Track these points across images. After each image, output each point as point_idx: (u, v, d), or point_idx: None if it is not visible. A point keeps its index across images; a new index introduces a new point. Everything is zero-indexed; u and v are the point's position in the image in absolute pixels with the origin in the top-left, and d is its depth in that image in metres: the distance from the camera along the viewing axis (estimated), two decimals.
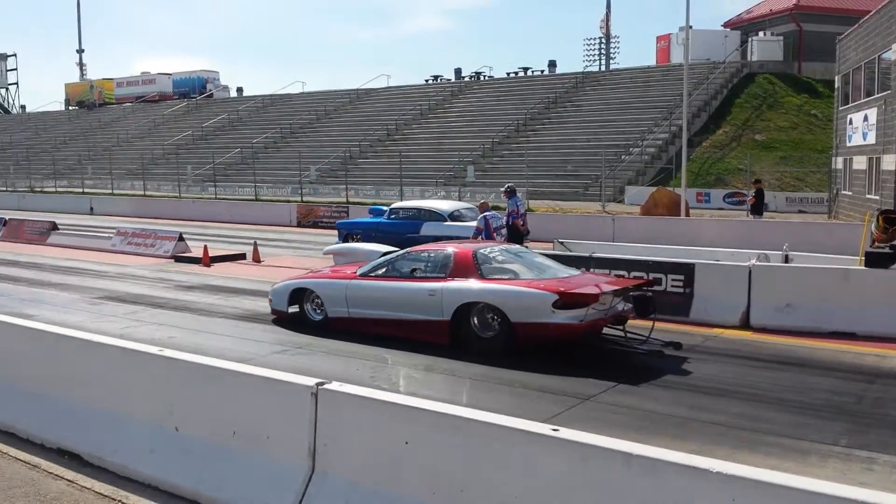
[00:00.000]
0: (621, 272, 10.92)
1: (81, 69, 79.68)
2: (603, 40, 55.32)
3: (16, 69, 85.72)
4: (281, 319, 10.67)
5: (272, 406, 4.75)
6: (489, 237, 13.06)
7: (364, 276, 10.05)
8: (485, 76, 51.12)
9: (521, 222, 14.60)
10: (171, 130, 54.20)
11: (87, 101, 69.26)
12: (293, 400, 4.60)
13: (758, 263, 10.61)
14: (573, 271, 9.72)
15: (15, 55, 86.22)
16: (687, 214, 22.85)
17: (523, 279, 9.09)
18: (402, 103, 47.86)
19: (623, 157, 33.29)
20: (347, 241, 18.42)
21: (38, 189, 46.08)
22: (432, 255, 9.76)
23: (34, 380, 6.28)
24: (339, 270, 11.09)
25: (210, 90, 63.44)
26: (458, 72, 53.12)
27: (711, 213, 26.02)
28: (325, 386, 4.51)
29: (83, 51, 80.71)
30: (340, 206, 28.59)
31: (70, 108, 71.73)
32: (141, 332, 9.98)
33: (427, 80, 53.11)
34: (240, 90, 64.58)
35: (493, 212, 13.83)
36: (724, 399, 7.14)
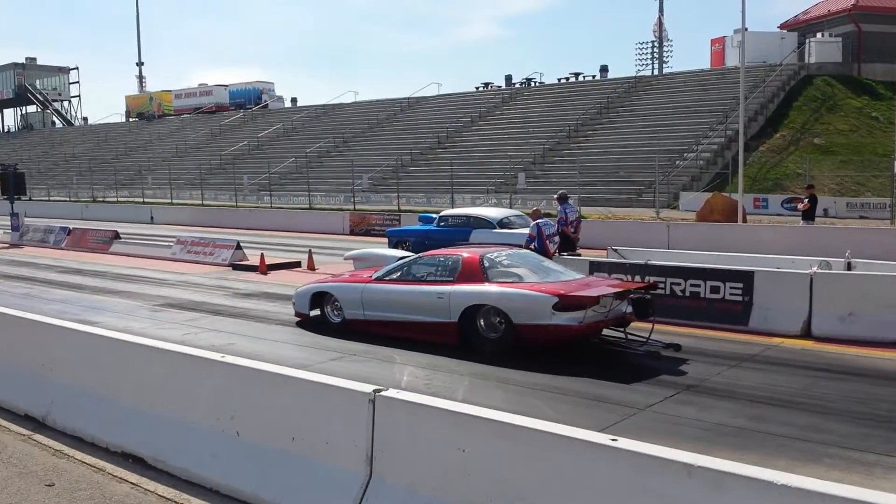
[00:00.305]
0: (678, 280, 10.79)
1: (141, 81, 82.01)
2: (656, 44, 54.71)
3: (78, 82, 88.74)
4: (304, 322, 11.15)
5: (331, 412, 4.81)
6: (542, 245, 13.02)
7: (378, 280, 10.53)
8: (535, 82, 50.98)
9: (572, 229, 14.52)
10: (227, 141, 55.28)
11: (147, 112, 71.14)
12: (351, 406, 4.66)
13: (819, 271, 10.35)
14: (578, 275, 10.08)
15: (77, 68, 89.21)
16: (744, 220, 22.41)
17: (527, 282, 9.43)
18: (452, 111, 48.01)
19: (678, 162, 32.81)
20: (397, 249, 18.61)
21: (101, 199, 47.46)
22: (442, 259, 10.21)
23: (100, 385, 6.47)
24: (357, 275, 11.65)
25: (265, 101, 64.57)
26: (508, 78, 53.07)
27: (769, 219, 25.47)
28: (383, 393, 4.55)
29: (143, 63, 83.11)
30: (392, 214, 28.80)
31: (130, 119, 73.76)
32: (201, 338, 10.21)
33: (477, 88, 53.17)
34: (294, 100, 65.60)
35: (546, 219, 13.78)
36: (786, 410, 6.99)
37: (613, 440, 3.68)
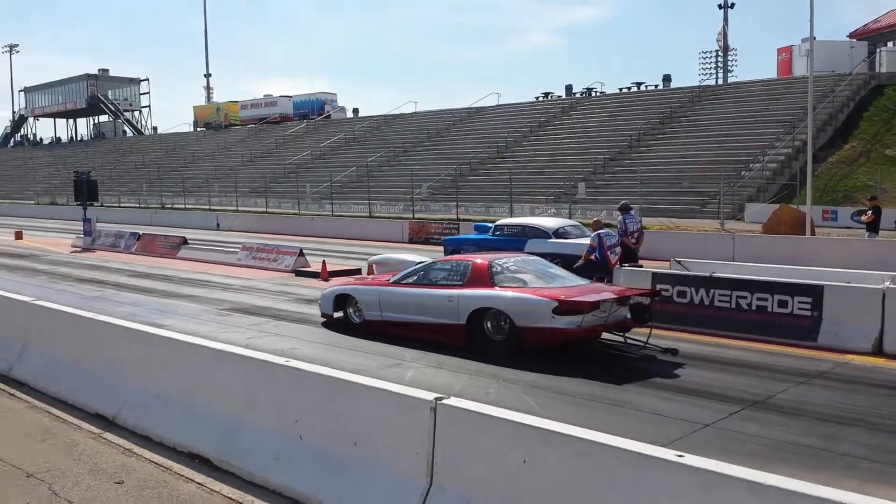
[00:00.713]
0: (744, 294, 10.56)
1: (208, 92, 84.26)
2: (720, 53, 53.77)
3: (148, 93, 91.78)
4: (329, 322, 11.78)
5: (392, 419, 4.85)
6: (603, 256, 12.91)
7: (395, 283, 11.11)
8: (596, 92, 50.58)
9: (633, 240, 14.34)
10: (291, 150, 56.28)
11: (214, 122, 72.96)
12: (412, 414, 4.69)
13: (892, 286, 9.99)
14: (582, 281, 10.64)
15: (147, 80, 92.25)
16: (812, 233, 21.78)
17: (530, 287, 9.87)
18: (512, 121, 47.97)
19: (743, 172, 32.12)
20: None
21: (169, 206, 48.78)
22: (454, 265, 10.82)
23: (168, 386, 6.64)
24: (377, 278, 12.36)
25: (328, 111, 65.57)
26: (568, 88, 52.84)
27: (838, 232, 24.71)
28: (444, 401, 4.57)
29: (210, 75, 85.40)
30: (451, 222, 28.88)
31: (198, 129, 75.72)
32: (264, 342, 10.40)
33: (537, 98, 53.04)
34: (356, 111, 66.45)
35: (607, 230, 13.64)
36: (855, 429, 6.76)
37: (679, 456, 3.61)
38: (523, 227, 18.53)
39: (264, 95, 73.29)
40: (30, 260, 23.00)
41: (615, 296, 9.57)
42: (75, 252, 25.64)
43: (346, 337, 10.97)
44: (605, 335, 10.08)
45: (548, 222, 18.96)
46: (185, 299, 14.83)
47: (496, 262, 10.50)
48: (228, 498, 5.28)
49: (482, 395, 7.74)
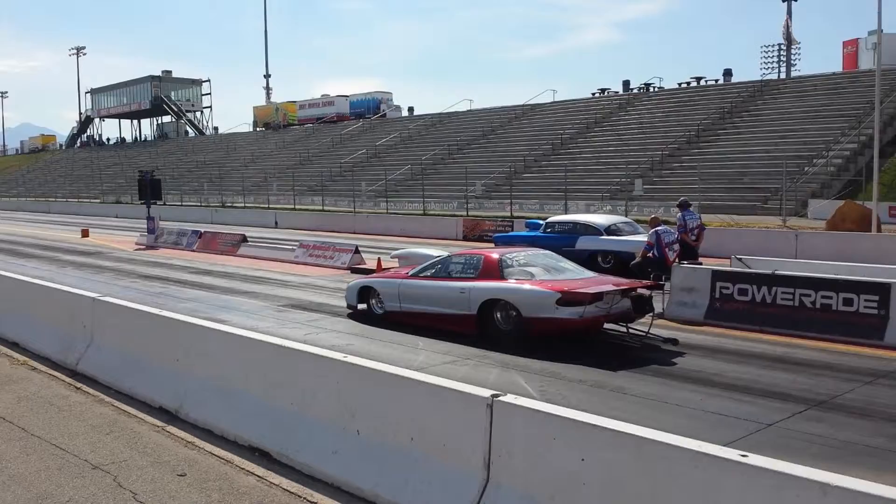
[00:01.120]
0: (808, 291, 10.28)
1: (268, 93, 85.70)
2: (783, 47, 52.37)
3: (209, 94, 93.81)
4: (355, 313, 12.42)
5: (448, 415, 4.85)
6: (661, 253, 12.70)
7: (414, 276, 11.71)
8: (654, 87, 49.81)
9: (693, 237, 14.07)
10: (347, 149, 56.84)
11: (273, 122, 74.14)
12: (469, 410, 4.68)
13: None
14: (590, 274, 11.13)
15: (209, 81, 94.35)
16: (878, 230, 21.08)
17: (537, 280, 10.34)
18: (567, 117, 47.58)
19: (806, 168, 31.24)
20: None
21: (229, 204, 49.72)
22: (468, 259, 11.35)
23: (229, 380, 6.77)
24: (398, 272, 12.96)
25: (383, 110, 66.05)
26: (626, 84, 52.16)
27: None
28: (500, 398, 4.55)
29: (269, 76, 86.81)
30: (505, 220, 28.79)
31: (257, 129, 77.04)
32: (322, 338, 10.53)
33: (593, 94, 52.49)
34: (411, 109, 66.79)
35: (666, 227, 13.41)
36: None
37: (743, 455, 3.52)
38: (575, 223, 18.38)
39: (322, 95, 74.22)
40: (96, 257, 23.72)
41: (617, 288, 9.95)
42: (139, 249, 26.35)
43: (402, 335, 10.99)
44: (608, 326, 10.41)
45: (599, 219, 18.77)
46: (245, 296, 15.10)
47: (507, 256, 11.11)
48: (288, 491, 5.35)
49: (483, 380, 7.94)
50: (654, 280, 12.59)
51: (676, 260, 12.81)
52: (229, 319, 11.50)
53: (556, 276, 10.59)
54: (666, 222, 14.50)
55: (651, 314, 10.30)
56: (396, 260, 16.22)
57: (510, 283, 10.37)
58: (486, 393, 4.65)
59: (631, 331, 10.39)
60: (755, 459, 3.51)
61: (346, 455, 5.37)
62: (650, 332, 10.23)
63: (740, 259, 13.42)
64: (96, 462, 5.90)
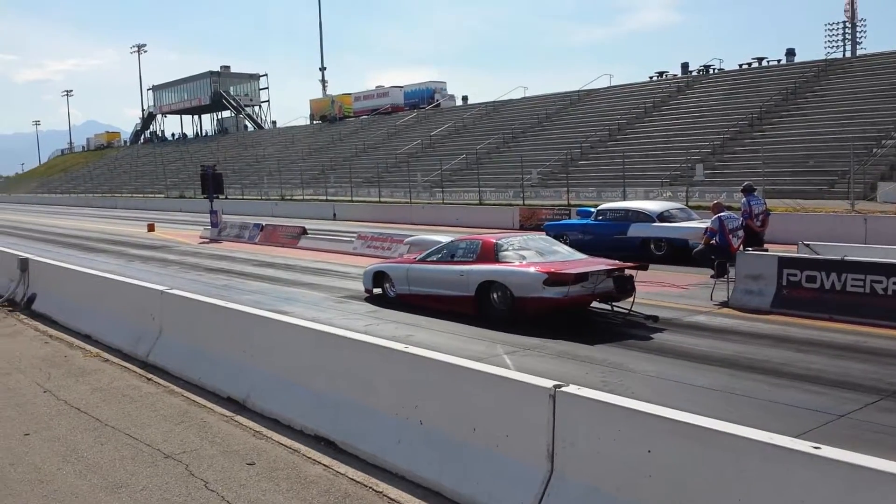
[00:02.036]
0: (879, 278, 9.95)
1: (324, 86, 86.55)
2: (847, 25, 50.59)
3: (267, 88, 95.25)
4: (371, 297, 13.41)
5: (511, 405, 4.85)
6: (724, 239, 12.45)
7: (421, 261, 12.60)
8: (714, 69, 48.63)
9: (758, 223, 13.73)
10: (402, 140, 57.07)
11: (329, 115, 74.87)
12: (531, 401, 4.67)
13: None
14: (580, 256, 11.80)
15: (266, 75, 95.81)
16: None
17: (527, 262, 11.06)
18: (624, 102, 46.84)
19: (875, 150, 30.14)
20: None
21: (288, 197, 50.50)
22: (468, 244, 12.08)
23: (294, 370, 6.90)
24: (408, 257, 13.95)
25: (438, 100, 66.05)
26: (684, 66, 51.02)
27: None
28: (563, 388, 4.52)
29: (325, 69, 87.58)
30: (562, 208, 28.55)
31: (314, 122, 77.92)
32: (382, 329, 10.63)
33: (651, 77, 51.54)
34: (465, 99, 66.67)
35: (729, 212, 13.12)
36: None
37: (816, 448, 3.44)
38: (626, 211, 18.19)
39: (376, 87, 74.59)
40: (162, 251, 24.38)
41: (601, 268, 10.70)
42: (203, 243, 26.97)
43: (459, 325, 11.01)
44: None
45: (651, 206, 18.52)
46: (307, 287, 15.33)
47: (502, 240, 11.85)
48: (353, 480, 5.43)
49: (467, 352, 8.24)
50: (716, 268, 12.37)
51: (741, 247, 12.53)
52: (292, 311, 11.70)
53: (547, 258, 11.29)
54: (729, 208, 14.19)
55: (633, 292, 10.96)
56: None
57: (503, 266, 11.09)
58: (549, 383, 4.63)
59: (615, 308, 11.19)
60: (828, 451, 3.42)
61: (410, 445, 5.42)
62: (632, 309, 10.94)
63: (808, 245, 13.05)
64: (168, 451, 6.08)
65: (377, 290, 13.34)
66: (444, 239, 14.87)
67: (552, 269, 10.53)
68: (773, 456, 3.56)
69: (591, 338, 9.82)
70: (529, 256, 11.31)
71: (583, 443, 4.41)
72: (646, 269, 11.48)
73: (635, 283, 10.97)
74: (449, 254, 12.20)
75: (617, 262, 11.43)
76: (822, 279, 10.54)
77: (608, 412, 4.29)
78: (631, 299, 10.97)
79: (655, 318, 10.77)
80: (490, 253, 11.46)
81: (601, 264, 11.06)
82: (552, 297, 10.34)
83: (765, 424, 5.63)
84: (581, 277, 10.36)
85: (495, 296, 11.03)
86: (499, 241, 11.69)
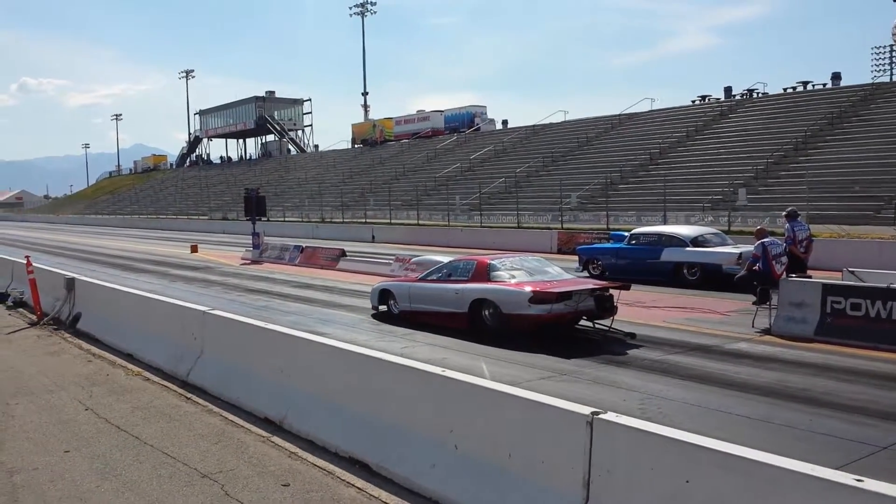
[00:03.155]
0: None
1: (366, 110, 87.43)
2: (894, 48, 49.66)
3: (310, 112, 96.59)
4: (379, 314, 14.10)
5: (547, 432, 4.80)
6: (767, 265, 12.24)
7: (422, 280, 13.49)
8: (758, 93, 48.09)
9: (802, 249, 13.49)
10: (441, 163, 57.35)
11: (370, 139, 75.62)
12: (567, 427, 4.63)
13: None
14: (568, 276, 12.66)
15: (310, 100, 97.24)
16: None
17: (516, 281, 11.78)
18: (666, 126, 46.52)
19: None
20: (588, 266, 19.11)
21: (328, 219, 51.00)
22: (464, 264, 12.88)
23: (330, 392, 6.92)
24: (410, 276, 15.06)
25: (477, 124, 66.30)
26: (727, 90, 50.52)
27: None
28: (601, 416, 4.48)
29: (367, 93, 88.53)
30: (601, 232, 28.36)
31: (355, 146, 78.75)
32: (417, 351, 10.64)
33: (693, 101, 51.15)
34: (505, 123, 66.81)
35: (773, 238, 12.91)
36: None
37: (858, 480, 3.35)
38: (660, 235, 18.08)
39: (417, 111, 75.17)
40: (204, 272, 24.75)
41: (584, 287, 11.49)
42: (244, 264, 27.31)
43: (495, 350, 10.97)
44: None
45: (685, 230, 18.38)
46: (345, 309, 15.42)
47: (495, 260, 12.66)
48: (386, 503, 5.41)
49: (501, 377, 8.32)
50: (759, 294, 12.17)
51: (784, 273, 12.30)
52: (330, 332, 11.76)
53: (535, 277, 12.01)
54: (772, 233, 13.96)
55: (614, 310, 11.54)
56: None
57: (494, 285, 11.82)
58: (587, 410, 4.59)
59: (597, 326, 11.76)
60: (871, 484, 3.33)
61: (444, 469, 5.40)
62: (612, 326, 11.58)
63: (853, 272, 12.77)
64: (205, 471, 6.13)
65: (382, 308, 14.08)
66: (443, 258, 15.77)
67: (538, 288, 11.24)
68: (814, 488, 3.48)
69: (628, 365, 9.72)
70: (519, 276, 12.03)
71: (619, 471, 4.35)
72: (628, 289, 11.93)
73: (615, 303, 11.55)
74: (447, 273, 12.92)
75: (602, 282, 12.48)
76: (867, 307, 10.30)
77: (646, 440, 4.23)
78: (612, 317, 11.57)
79: (633, 335, 11.38)
80: (483, 273, 12.18)
81: (584, 284, 12.02)
82: (536, 313, 11.03)
83: (806, 455, 5.50)
84: (564, 296, 11.10)
85: (486, 312, 11.76)
86: (492, 262, 12.47)
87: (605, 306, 11.52)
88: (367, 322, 13.70)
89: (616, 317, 11.55)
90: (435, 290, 12.74)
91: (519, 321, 11.21)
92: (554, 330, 11.34)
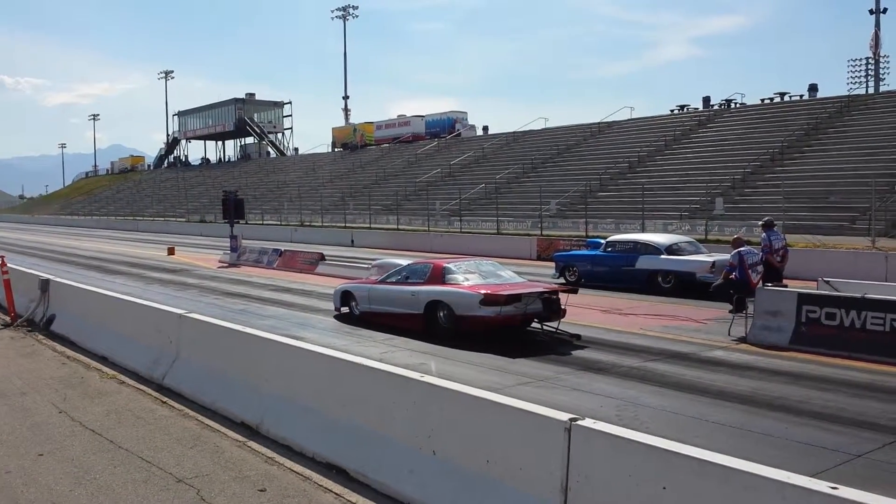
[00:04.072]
0: None
1: (346, 114, 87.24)
2: (871, 61, 50.43)
3: (290, 115, 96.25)
4: (340, 315, 14.48)
5: (525, 438, 4.81)
6: (743, 274, 12.36)
7: (381, 282, 13.86)
8: (736, 103, 48.59)
9: (778, 258, 13.65)
10: (422, 168, 57.34)
11: (351, 142, 75.44)
12: (546, 433, 4.64)
13: None
14: (519, 280, 13.03)
15: (290, 103, 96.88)
16: None
17: (469, 284, 12.17)
18: (645, 135, 46.86)
19: None
20: (564, 273, 19.50)
21: (308, 223, 50.77)
22: (421, 267, 13.32)
23: (308, 397, 6.89)
24: (371, 278, 15.36)
25: (458, 130, 66.39)
26: (706, 100, 51.00)
27: None
28: (579, 422, 4.49)
29: (348, 97, 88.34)
30: (580, 239, 28.46)
31: (335, 149, 78.53)
32: (397, 356, 10.60)
33: (672, 111, 51.58)
34: (485, 129, 66.92)
35: (749, 247, 13.05)
36: None
37: (833, 488, 3.39)
38: (635, 243, 18.36)
39: (398, 116, 75.13)
40: (181, 274, 24.54)
41: (533, 291, 11.84)
42: (222, 267, 27.12)
43: (474, 354, 10.99)
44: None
45: (660, 238, 18.64)
46: (323, 313, 15.35)
47: (451, 264, 13.02)
48: None
49: (481, 383, 7.97)
50: (735, 303, 12.28)
51: (760, 282, 12.43)
52: (308, 337, 11.71)
53: (488, 280, 12.40)
54: (749, 242, 14.11)
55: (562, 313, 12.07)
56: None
57: (448, 287, 12.18)
58: (565, 416, 4.60)
59: (545, 328, 12.19)
60: (846, 492, 3.37)
61: (422, 475, 5.38)
62: (559, 328, 12.07)
63: (828, 282, 12.94)
64: (180, 475, 6.08)
65: (345, 309, 14.44)
66: (402, 261, 16.12)
67: (488, 291, 11.64)
68: (790, 495, 3.51)
69: (606, 372, 9.76)
70: (473, 279, 12.40)
71: (597, 477, 4.36)
72: (575, 292, 12.63)
73: (562, 306, 12.06)
74: (405, 276, 13.33)
75: (551, 285, 12.89)
76: (841, 316, 10.43)
77: (623, 447, 4.25)
78: (559, 319, 12.06)
79: (578, 337, 11.81)
80: (439, 275, 12.59)
81: (533, 287, 12.30)
82: (487, 315, 11.41)
83: (782, 463, 5.55)
84: (513, 299, 11.46)
85: (441, 314, 12.10)
86: (447, 265, 12.86)
87: (553, 309, 11.97)
88: (346, 327, 13.65)
89: (595, 324, 11.67)
90: (393, 292, 13.10)
91: (471, 322, 11.60)
92: (508, 332, 11.75)
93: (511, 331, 11.93)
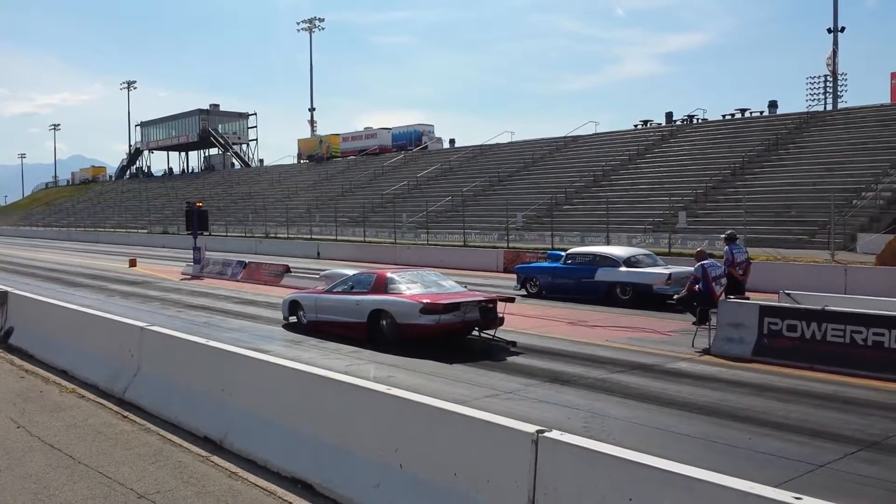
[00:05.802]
0: (859, 328, 10.02)
1: (312, 126, 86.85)
2: (829, 78, 51.62)
3: (255, 127, 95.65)
4: (289, 324, 14.79)
5: (492, 450, 4.79)
6: (707, 287, 12.50)
7: (327, 291, 14.18)
8: (698, 119, 49.43)
9: (741, 271, 13.86)
10: (389, 181, 57.31)
11: (317, 154, 75.13)
12: (513, 446, 4.63)
13: None
14: (460, 289, 13.26)
15: (255, 114, 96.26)
16: None
17: (410, 293, 12.52)
18: (609, 149, 47.41)
19: (855, 201, 30.60)
20: (525, 285, 19.73)
21: (273, 235, 50.39)
22: (366, 277, 13.67)
23: (273, 410, 6.79)
24: (317, 288, 15.63)
25: (425, 142, 66.56)
26: (669, 115, 51.79)
27: None
28: (546, 434, 4.49)
29: (314, 109, 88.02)
30: (545, 251, 28.62)
31: (301, 161, 78.14)
32: (363, 369, 10.54)
33: (636, 126, 52.26)
34: (452, 142, 67.16)
35: (712, 260, 13.22)
36: None
37: (797, 498, 3.43)
38: (594, 255, 18.65)
39: (364, 128, 75.07)
40: (143, 287, 24.17)
41: (471, 299, 12.24)
42: (185, 279, 26.77)
43: (443, 366, 10.97)
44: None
45: (618, 251, 18.93)
46: (288, 326, 15.21)
47: (393, 274, 13.43)
48: None
49: (448, 395, 8.28)
50: (699, 315, 12.43)
51: (723, 294, 12.60)
52: (272, 350, 11.60)
53: (430, 290, 12.75)
54: (711, 256, 14.30)
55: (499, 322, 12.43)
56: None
57: (390, 297, 12.55)
58: (532, 428, 4.60)
59: (482, 335, 12.53)
60: (810, 502, 3.41)
61: (389, 489, 5.34)
62: (496, 335, 12.49)
63: (789, 294, 13.16)
64: (142, 491, 5.95)
65: (293, 318, 14.73)
66: (348, 272, 16.47)
67: (427, 300, 12.05)
68: None
69: (572, 383, 9.80)
70: (414, 289, 12.75)
71: (564, 489, 4.36)
72: (512, 301, 13.26)
73: (499, 314, 12.41)
74: (350, 286, 13.66)
75: (490, 294, 13.20)
76: (802, 329, 10.60)
77: (590, 458, 4.26)
78: (496, 327, 12.42)
79: (514, 344, 12.25)
80: (382, 285, 12.94)
81: (472, 296, 12.65)
82: (426, 323, 11.83)
83: (746, 473, 5.61)
84: (452, 307, 11.90)
85: (384, 322, 12.46)
86: (390, 275, 13.26)
87: (490, 317, 12.32)
88: (312, 339, 13.53)
89: (561, 336, 11.72)
90: (338, 302, 13.44)
91: (412, 330, 12.00)
92: (449, 340, 12.21)
93: (453, 338, 12.38)
